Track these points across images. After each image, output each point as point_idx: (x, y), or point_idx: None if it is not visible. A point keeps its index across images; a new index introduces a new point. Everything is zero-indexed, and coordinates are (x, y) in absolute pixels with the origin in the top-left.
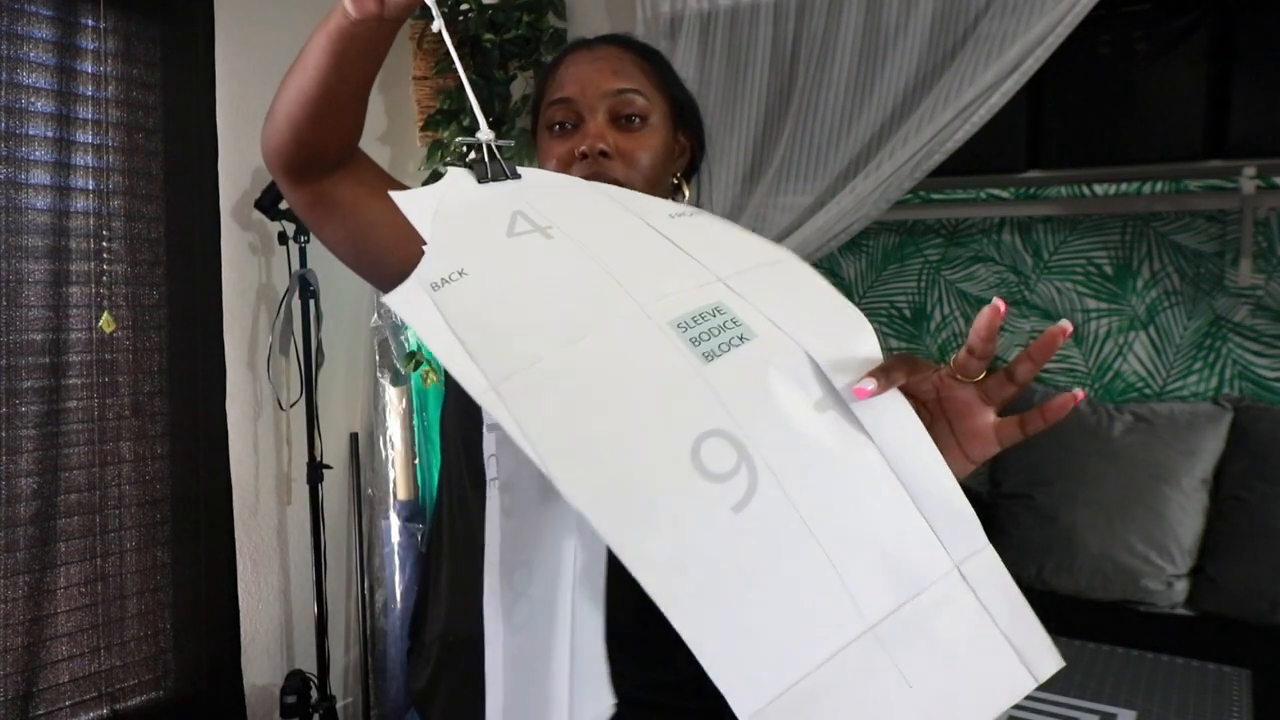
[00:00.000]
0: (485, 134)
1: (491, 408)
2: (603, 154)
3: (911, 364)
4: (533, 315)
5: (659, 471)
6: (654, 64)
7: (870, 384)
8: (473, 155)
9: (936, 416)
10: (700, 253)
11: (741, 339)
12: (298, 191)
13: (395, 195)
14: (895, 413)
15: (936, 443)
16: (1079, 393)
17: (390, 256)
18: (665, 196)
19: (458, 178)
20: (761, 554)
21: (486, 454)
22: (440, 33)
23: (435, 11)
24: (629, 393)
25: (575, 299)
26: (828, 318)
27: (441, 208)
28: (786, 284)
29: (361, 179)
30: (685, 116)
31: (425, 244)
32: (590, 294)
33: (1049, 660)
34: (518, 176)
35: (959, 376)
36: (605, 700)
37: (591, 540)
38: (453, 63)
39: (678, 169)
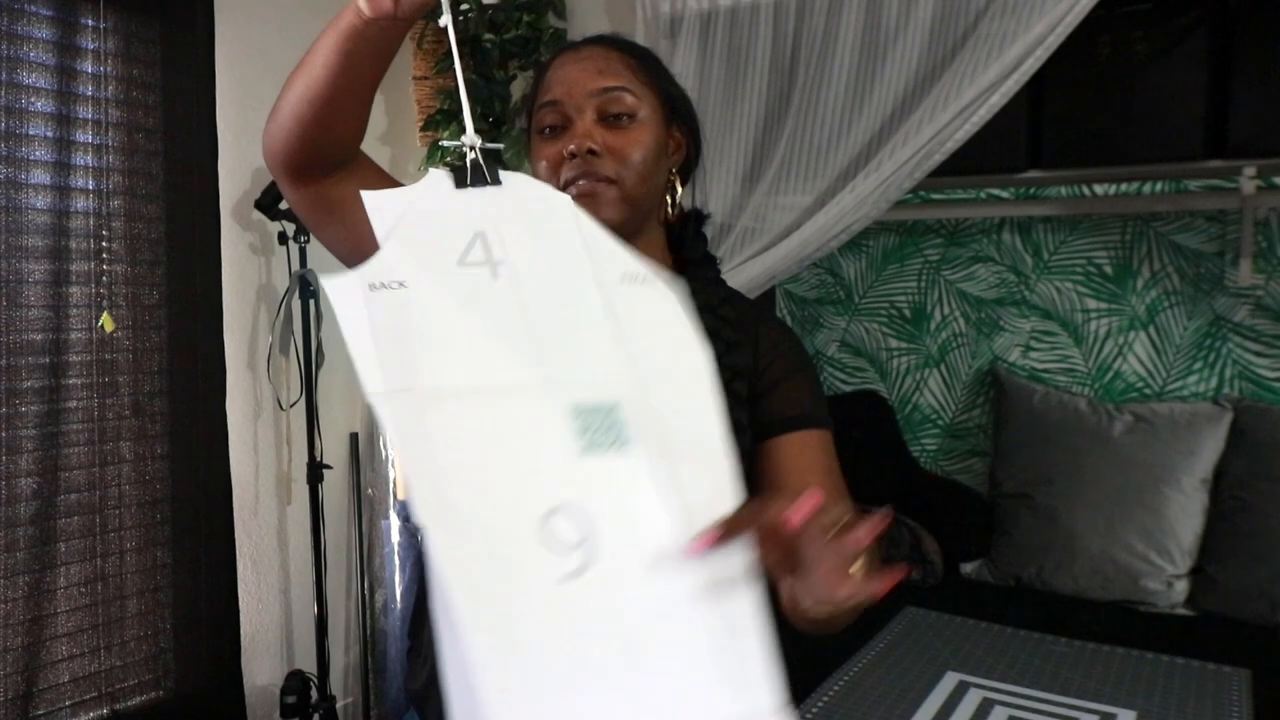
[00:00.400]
0: (470, 138)
1: (378, 411)
2: (591, 152)
3: (757, 520)
4: (449, 348)
5: (504, 522)
6: (642, 61)
7: (702, 541)
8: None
9: (782, 566)
10: (629, 333)
11: (623, 443)
12: (299, 192)
13: (365, 194)
14: (732, 561)
15: (781, 587)
16: (894, 575)
17: None
18: (661, 194)
19: (437, 180)
20: (571, 627)
21: None
22: (446, 28)
23: (445, 6)
24: (505, 449)
25: (493, 349)
26: (703, 448)
27: (411, 211)
28: (685, 397)
29: (363, 179)
30: (678, 112)
31: (379, 245)
32: (507, 351)
33: None
34: (498, 183)
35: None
36: None
37: None
38: (453, 62)
39: (673, 165)
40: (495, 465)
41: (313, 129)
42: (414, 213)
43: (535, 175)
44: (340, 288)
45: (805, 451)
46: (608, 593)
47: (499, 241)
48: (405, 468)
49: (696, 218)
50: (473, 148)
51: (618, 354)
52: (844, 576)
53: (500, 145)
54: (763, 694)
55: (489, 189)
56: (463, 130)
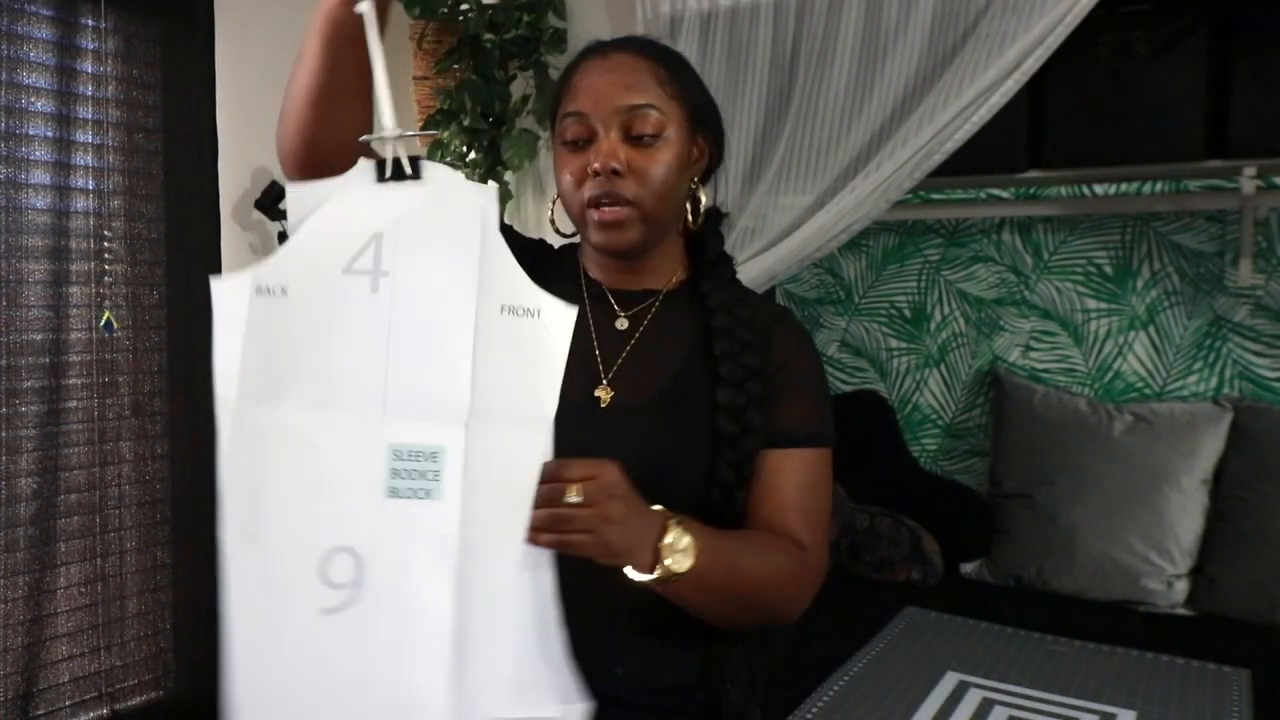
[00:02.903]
0: (388, 127)
1: (220, 420)
2: (615, 172)
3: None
4: (307, 368)
5: (292, 550)
6: (670, 70)
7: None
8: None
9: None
10: (481, 373)
11: (428, 494)
12: None
13: (289, 187)
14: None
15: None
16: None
17: None
18: (681, 206)
19: (360, 172)
20: (321, 653)
21: None
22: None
23: None
24: (318, 484)
25: (346, 374)
26: (511, 496)
27: (326, 205)
28: (515, 442)
29: None
30: (703, 121)
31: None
32: (358, 377)
33: None
34: (418, 177)
35: None
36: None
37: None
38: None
39: (694, 174)
40: (304, 498)
41: (313, 127)
42: (328, 207)
43: (559, 185)
44: (226, 290)
45: (779, 472)
46: (355, 629)
47: (391, 249)
48: (224, 481)
49: (714, 216)
50: (391, 138)
51: (460, 395)
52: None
53: (415, 132)
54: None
55: (408, 183)
56: (463, 130)
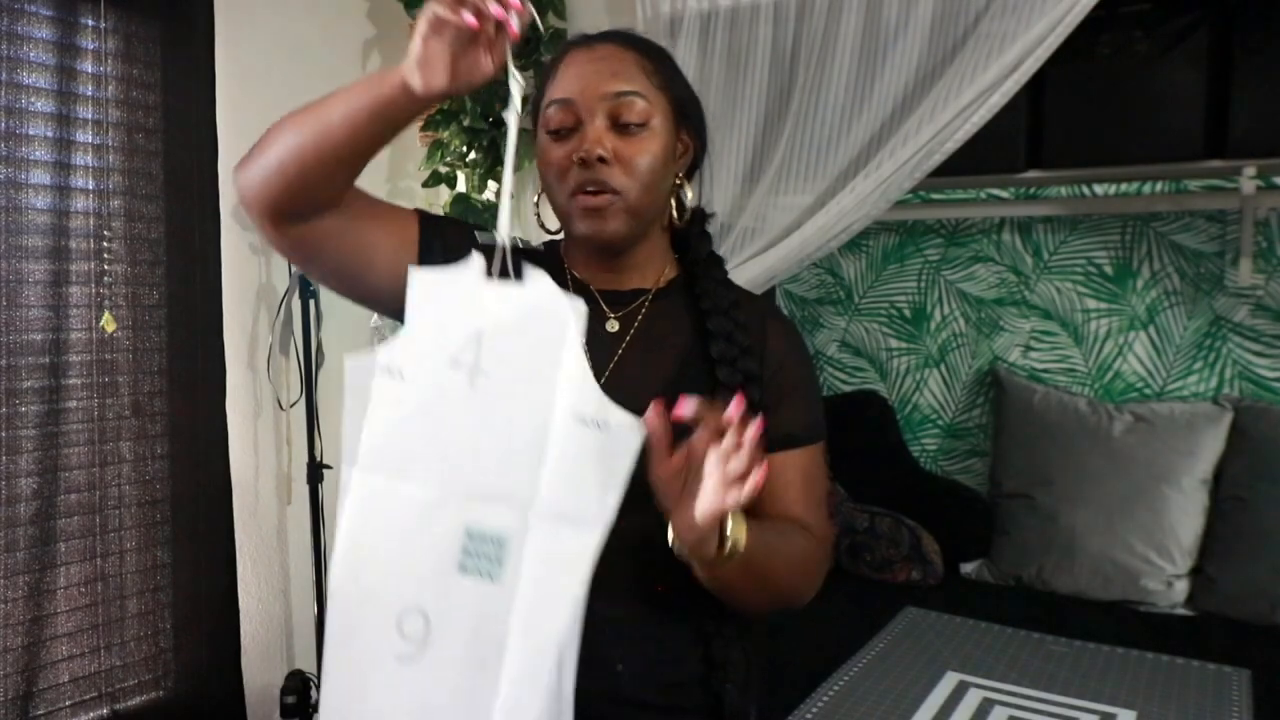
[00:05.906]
0: (504, 237)
1: (346, 477)
2: (601, 160)
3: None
4: (413, 447)
5: (380, 600)
6: (655, 62)
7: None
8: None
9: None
10: (552, 473)
11: (491, 577)
12: (285, 237)
13: (412, 271)
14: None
15: (672, 516)
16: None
17: (382, 280)
18: (666, 199)
19: (472, 264)
20: (395, 695)
21: None
22: (507, 123)
23: (516, 97)
24: (407, 547)
25: (443, 456)
26: (556, 590)
27: (440, 291)
28: (558, 549)
29: (345, 211)
30: (687, 115)
31: (403, 322)
32: (449, 461)
33: None
34: (520, 278)
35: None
36: None
37: None
38: (504, 163)
39: (679, 169)
40: (394, 558)
41: (314, 180)
42: (441, 294)
43: (543, 176)
44: (357, 367)
45: (785, 471)
46: (423, 680)
47: (490, 348)
48: (340, 535)
49: (700, 217)
50: (503, 247)
51: (528, 489)
52: (731, 488)
53: (532, 245)
54: None
55: (511, 283)
56: (463, 130)
